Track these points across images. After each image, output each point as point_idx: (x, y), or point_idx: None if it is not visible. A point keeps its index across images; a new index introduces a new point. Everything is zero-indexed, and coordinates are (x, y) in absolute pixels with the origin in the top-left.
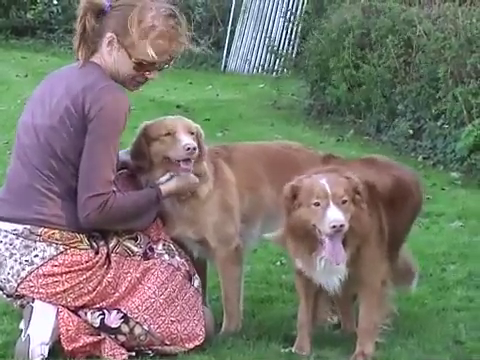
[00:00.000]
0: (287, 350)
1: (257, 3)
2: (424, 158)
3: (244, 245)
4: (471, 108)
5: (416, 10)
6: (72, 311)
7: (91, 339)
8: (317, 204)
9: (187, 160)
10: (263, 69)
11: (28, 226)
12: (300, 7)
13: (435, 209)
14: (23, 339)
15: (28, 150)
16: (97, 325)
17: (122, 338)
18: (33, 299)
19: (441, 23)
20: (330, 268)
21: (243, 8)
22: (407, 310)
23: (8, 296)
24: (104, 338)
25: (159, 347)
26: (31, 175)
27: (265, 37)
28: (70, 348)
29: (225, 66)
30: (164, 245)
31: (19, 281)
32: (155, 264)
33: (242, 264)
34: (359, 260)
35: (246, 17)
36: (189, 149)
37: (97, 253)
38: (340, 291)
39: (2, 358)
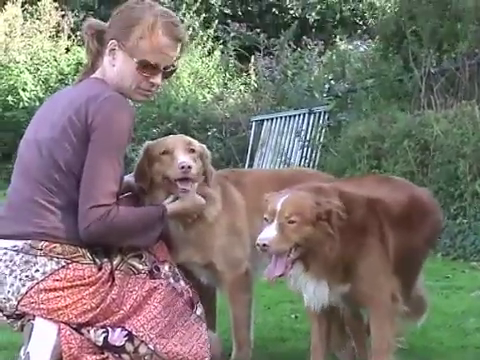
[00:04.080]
0: None
1: (275, 137)
2: (443, 255)
3: (254, 272)
4: None
5: (432, 112)
6: (74, 329)
7: (94, 358)
8: (266, 220)
9: (184, 180)
10: None
11: (29, 241)
12: (318, 134)
13: (455, 284)
14: (22, 357)
15: (30, 166)
16: (100, 343)
17: (126, 357)
18: (34, 316)
19: (458, 121)
20: (301, 284)
21: (261, 143)
22: (424, 345)
23: (8, 317)
24: (107, 357)
25: None
26: (32, 189)
27: (284, 165)
28: None
29: None
30: (170, 268)
31: (19, 298)
32: (162, 284)
33: (251, 289)
34: (356, 277)
35: (264, 151)
36: (183, 167)
37: (100, 269)
38: (345, 310)
39: None
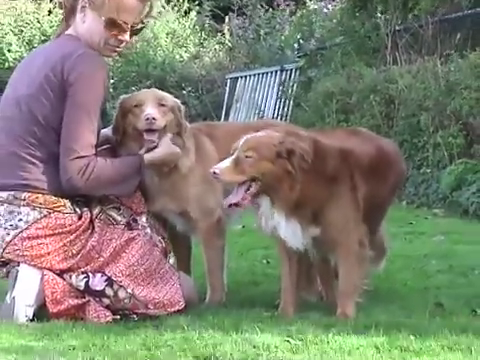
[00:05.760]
0: (269, 313)
1: (249, 93)
2: (407, 203)
3: (227, 220)
4: (452, 149)
5: (397, 68)
6: (57, 274)
7: (76, 302)
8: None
9: (150, 131)
10: None
11: (12, 192)
12: (290, 90)
13: (418, 229)
14: (8, 301)
15: (11, 121)
16: (82, 288)
17: (106, 301)
18: (18, 263)
19: (421, 76)
20: (273, 224)
21: (235, 98)
22: (388, 287)
23: None
24: (88, 300)
25: (144, 310)
26: (14, 143)
27: (258, 118)
28: (55, 310)
29: None
30: (147, 219)
31: (4, 246)
32: (139, 235)
33: (224, 236)
34: (327, 222)
35: (239, 106)
36: (148, 119)
37: (80, 218)
38: (314, 252)
39: None
